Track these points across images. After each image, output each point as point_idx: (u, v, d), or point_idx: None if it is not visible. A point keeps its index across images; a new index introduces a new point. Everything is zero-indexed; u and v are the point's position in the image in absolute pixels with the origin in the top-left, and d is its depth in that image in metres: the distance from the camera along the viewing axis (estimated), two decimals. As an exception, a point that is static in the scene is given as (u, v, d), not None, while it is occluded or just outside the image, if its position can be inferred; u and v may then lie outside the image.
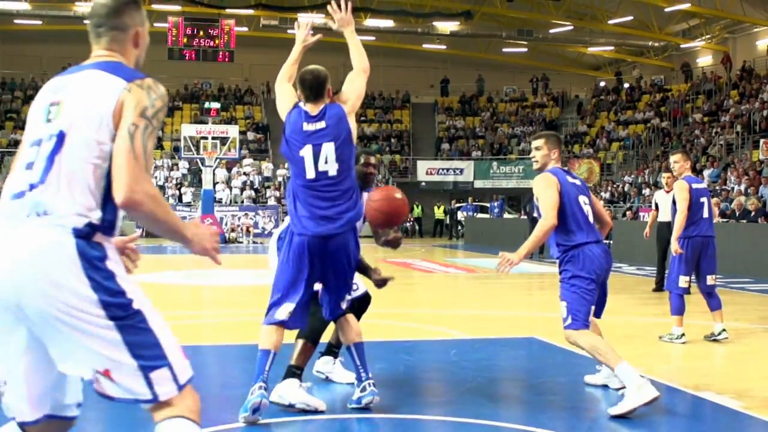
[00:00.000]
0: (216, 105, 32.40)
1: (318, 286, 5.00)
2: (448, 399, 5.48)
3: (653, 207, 12.24)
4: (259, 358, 4.77)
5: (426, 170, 38.32)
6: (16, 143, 35.23)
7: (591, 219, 5.44)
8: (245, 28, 39.14)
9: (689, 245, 7.83)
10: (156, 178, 33.61)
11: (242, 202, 33.14)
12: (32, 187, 2.49)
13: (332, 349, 5.79)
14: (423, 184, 37.87)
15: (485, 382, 5.97)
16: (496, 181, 37.70)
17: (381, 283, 5.47)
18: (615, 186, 30.38)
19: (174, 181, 34.33)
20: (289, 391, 4.93)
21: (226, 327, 8.94)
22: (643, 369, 5.57)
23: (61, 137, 2.52)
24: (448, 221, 35.35)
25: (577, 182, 5.52)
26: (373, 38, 38.68)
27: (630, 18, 37.92)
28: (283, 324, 4.83)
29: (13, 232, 2.45)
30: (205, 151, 29.03)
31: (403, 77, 43.61)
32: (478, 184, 37.88)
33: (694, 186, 7.98)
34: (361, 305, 5.56)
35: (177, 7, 36.42)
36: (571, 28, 39.72)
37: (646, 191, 26.59)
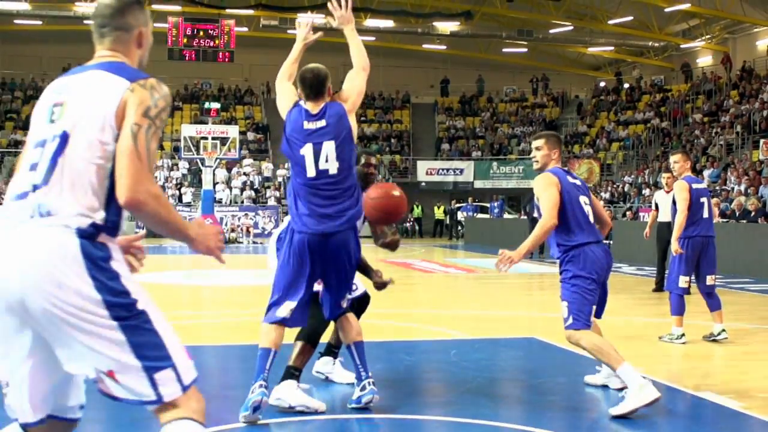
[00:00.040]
0: (216, 105, 32.43)
1: (318, 287, 5.00)
2: (448, 399, 5.48)
3: (653, 207, 12.24)
4: (260, 357, 4.77)
5: (426, 170, 38.33)
6: (16, 143, 35.21)
7: (591, 219, 5.45)
8: (245, 29, 39.15)
9: (689, 245, 7.83)
10: (156, 178, 33.30)
11: (242, 202, 33.14)
12: (35, 188, 2.49)
13: (332, 350, 5.79)
14: (423, 184, 37.88)
15: (485, 382, 5.97)
16: (496, 182, 37.72)
17: (381, 286, 5.47)
18: (615, 186, 30.38)
19: (174, 182, 34.33)
20: (287, 393, 4.93)
21: (226, 327, 8.95)
22: (643, 369, 5.57)
23: (64, 138, 2.52)
24: (448, 221, 35.36)
25: (578, 182, 5.53)
26: (373, 38, 38.67)
27: (630, 18, 37.93)
28: (284, 322, 4.83)
29: (17, 233, 2.45)
30: (205, 151, 29.05)
31: (403, 77, 43.61)
32: (478, 184, 37.89)
33: (694, 186, 7.99)
34: (360, 305, 5.56)
35: (177, 7, 36.42)
36: (571, 28, 39.73)
37: (646, 191, 26.59)
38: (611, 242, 19.18)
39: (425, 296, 12.76)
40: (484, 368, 6.51)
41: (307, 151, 4.79)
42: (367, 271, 5.45)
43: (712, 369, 6.98)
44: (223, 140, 29.55)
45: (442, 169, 38.47)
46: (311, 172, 4.78)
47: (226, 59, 36.04)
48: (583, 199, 5.44)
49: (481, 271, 17.09)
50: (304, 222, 4.79)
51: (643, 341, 7.88)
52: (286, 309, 4.80)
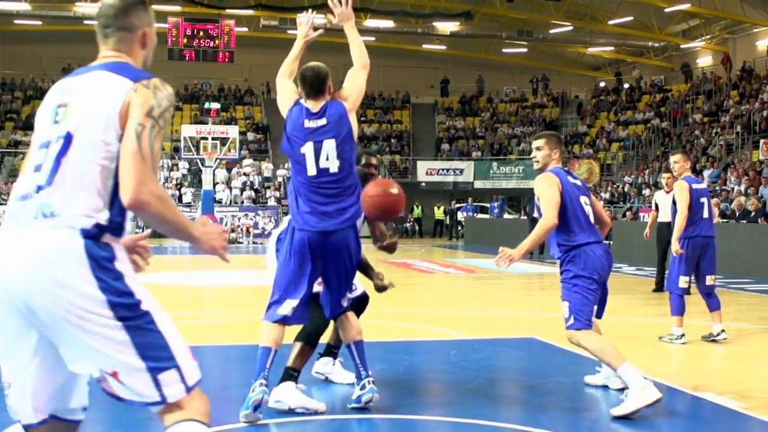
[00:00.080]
0: (216, 105, 32.41)
1: (318, 287, 5.00)
2: (448, 399, 5.48)
3: (653, 207, 12.24)
4: (260, 356, 4.77)
5: (426, 170, 38.34)
6: (16, 143, 35.21)
7: (592, 219, 5.45)
8: (245, 29, 39.15)
9: (689, 245, 7.84)
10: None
11: (242, 202, 33.14)
12: (39, 189, 2.49)
13: (331, 350, 5.80)
14: (423, 184, 37.89)
15: (485, 382, 5.98)
16: (496, 182, 37.72)
17: (381, 289, 5.47)
18: (615, 186, 30.38)
19: (174, 182, 34.34)
20: (286, 395, 4.92)
21: (226, 327, 8.95)
22: (643, 369, 5.57)
23: (68, 139, 2.51)
24: (448, 222, 35.37)
25: (578, 183, 5.54)
26: (373, 38, 38.66)
27: (630, 18, 37.94)
28: (285, 320, 4.83)
29: (21, 233, 2.45)
30: (205, 151, 29.04)
31: (403, 77, 43.62)
32: (478, 184, 37.90)
33: (694, 186, 7.99)
34: (358, 306, 5.55)
35: (177, 8, 36.41)
36: (571, 28, 39.73)
37: (646, 191, 26.59)
38: (611, 242, 19.19)
39: (425, 296, 12.76)
40: (484, 368, 6.51)
41: (307, 149, 4.79)
42: (368, 271, 5.45)
43: (712, 369, 6.99)
44: (223, 140, 29.55)
45: (442, 170, 38.48)
46: (312, 171, 4.79)
47: (226, 59, 36.03)
48: (583, 199, 5.45)
49: (481, 271, 17.09)
50: (305, 220, 4.80)
51: (643, 341, 7.88)
52: (287, 307, 4.81)
